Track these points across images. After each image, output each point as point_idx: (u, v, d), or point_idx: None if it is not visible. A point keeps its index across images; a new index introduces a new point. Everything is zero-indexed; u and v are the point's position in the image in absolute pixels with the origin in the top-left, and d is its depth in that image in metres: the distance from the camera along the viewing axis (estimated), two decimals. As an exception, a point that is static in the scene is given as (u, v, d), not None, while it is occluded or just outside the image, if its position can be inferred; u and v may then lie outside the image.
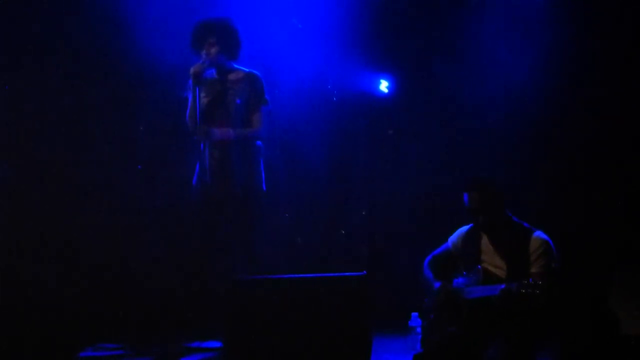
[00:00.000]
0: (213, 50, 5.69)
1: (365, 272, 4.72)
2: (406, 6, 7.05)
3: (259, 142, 5.82)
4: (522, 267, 4.89)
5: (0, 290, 6.22)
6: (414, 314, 5.53)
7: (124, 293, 6.58)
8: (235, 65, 5.84)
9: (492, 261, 5.07)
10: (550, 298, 4.72)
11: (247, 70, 5.83)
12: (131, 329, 6.28)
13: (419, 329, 5.44)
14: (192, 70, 5.63)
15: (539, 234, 4.98)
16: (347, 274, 4.75)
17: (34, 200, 6.53)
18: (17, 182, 6.52)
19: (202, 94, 5.68)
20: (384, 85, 7.26)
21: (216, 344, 5.57)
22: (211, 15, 5.87)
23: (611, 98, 6.56)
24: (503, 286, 4.75)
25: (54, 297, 6.34)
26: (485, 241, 5.15)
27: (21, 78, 6.62)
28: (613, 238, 6.33)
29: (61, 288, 6.42)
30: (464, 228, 5.32)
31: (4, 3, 6.54)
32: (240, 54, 5.81)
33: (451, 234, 5.40)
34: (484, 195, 4.99)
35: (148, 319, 6.44)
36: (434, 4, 7.03)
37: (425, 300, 5.28)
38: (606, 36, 6.56)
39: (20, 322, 6.04)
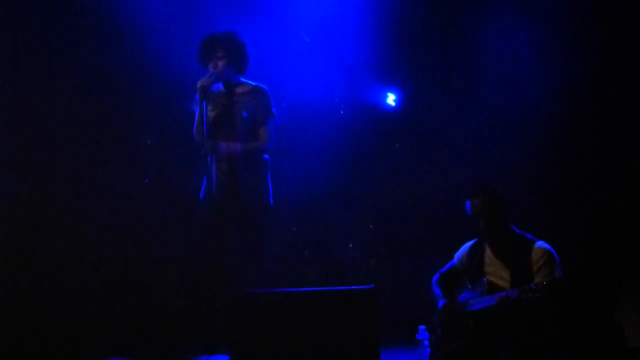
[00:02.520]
0: (220, 64, 5.70)
1: (372, 285, 4.71)
2: (414, 20, 7.07)
3: (266, 156, 5.82)
4: (525, 277, 4.90)
5: (7, 303, 6.22)
6: (422, 327, 5.52)
7: (132, 307, 6.58)
8: (242, 79, 5.85)
9: (496, 273, 5.09)
10: (554, 307, 4.72)
11: (254, 83, 5.84)
12: (139, 343, 6.27)
13: (426, 342, 5.43)
14: (199, 84, 5.64)
15: (541, 244, 5.00)
16: (354, 287, 4.74)
17: (39, 213, 6.54)
18: (22, 195, 6.52)
19: (209, 108, 5.68)
20: (391, 99, 7.27)
21: (223, 358, 5.56)
22: (218, 29, 5.89)
23: (615, 104, 6.56)
24: (501, 294, 4.76)
25: (62, 312, 6.35)
26: (488, 254, 5.17)
27: (27, 88, 6.64)
28: (620, 248, 6.32)
29: (69, 303, 6.42)
30: (469, 243, 5.35)
31: (8, 10, 6.58)
32: (247, 67, 5.83)
33: (458, 247, 5.42)
34: (485, 200, 5.06)
35: (155, 332, 6.44)
36: (441, 18, 7.05)
37: (434, 319, 5.29)
38: (606, 42, 6.57)
39: (29, 337, 6.04)
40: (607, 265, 6.27)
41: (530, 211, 6.34)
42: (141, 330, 6.45)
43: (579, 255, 6.07)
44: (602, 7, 6.58)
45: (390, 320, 6.15)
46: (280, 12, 6.94)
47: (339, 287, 4.81)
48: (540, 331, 4.78)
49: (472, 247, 5.29)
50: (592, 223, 6.50)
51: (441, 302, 5.19)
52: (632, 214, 6.41)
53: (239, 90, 5.81)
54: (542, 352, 4.79)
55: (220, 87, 5.80)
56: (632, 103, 6.53)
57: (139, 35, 6.69)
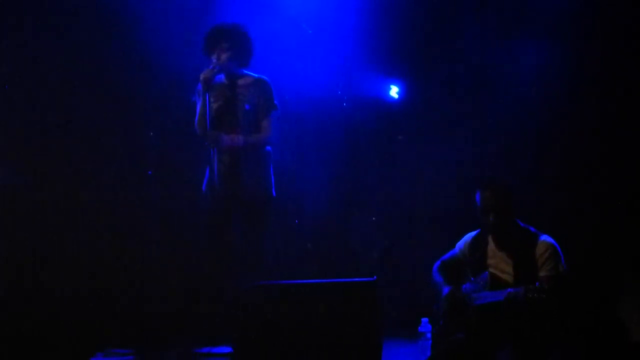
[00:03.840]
0: (224, 55, 5.69)
1: (375, 277, 4.71)
2: (417, 12, 7.05)
3: (268, 148, 5.83)
4: (529, 271, 4.89)
5: (8, 296, 6.22)
6: (424, 319, 5.53)
7: (135, 298, 6.59)
8: (245, 71, 5.84)
9: (499, 266, 5.07)
10: (558, 302, 4.72)
11: (256, 75, 5.84)
12: (142, 334, 6.28)
13: (428, 335, 5.43)
14: (202, 76, 5.63)
15: (545, 238, 4.98)
16: (357, 279, 4.74)
17: (41, 207, 6.54)
18: (24, 188, 6.53)
19: (211, 99, 5.68)
20: (394, 91, 7.26)
21: (226, 350, 5.57)
22: (222, 19, 5.88)
23: (617, 99, 6.55)
24: (509, 291, 4.76)
25: (65, 303, 6.35)
26: (491, 246, 5.15)
27: (28, 82, 6.64)
28: (623, 243, 6.31)
29: (72, 294, 6.43)
30: (472, 234, 5.33)
31: (9, 10, 6.57)
32: (251, 61, 5.82)
33: (460, 238, 5.40)
34: (496, 194, 5.01)
35: (158, 324, 6.45)
36: (445, 10, 7.03)
37: (435, 307, 5.28)
38: (608, 38, 6.56)
39: (30, 327, 6.05)
40: (610, 262, 6.26)
41: (533, 206, 6.33)
42: (144, 322, 6.46)
43: (581, 251, 6.06)
44: (602, 6, 6.58)
45: (392, 312, 6.17)
46: (282, 4, 6.92)
47: (341, 280, 4.82)
48: (543, 328, 4.77)
49: (474, 238, 5.27)
50: (594, 219, 6.49)
51: (445, 290, 5.17)
52: (635, 211, 6.40)
53: (241, 82, 5.81)
54: (544, 348, 4.79)
55: (222, 78, 5.79)
56: (634, 99, 6.52)
57: (140, 29, 6.68)
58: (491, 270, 5.05)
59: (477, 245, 5.22)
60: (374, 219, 7.25)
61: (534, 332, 4.76)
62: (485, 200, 5.03)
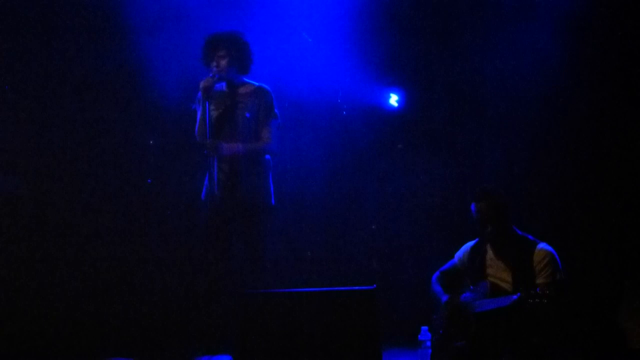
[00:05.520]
0: (223, 63, 5.69)
1: (374, 285, 4.71)
2: (417, 21, 7.06)
3: (267, 156, 5.82)
4: (527, 279, 4.90)
5: (8, 305, 6.22)
6: (424, 327, 5.51)
7: (134, 307, 6.59)
8: (245, 79, 5.84)
9: (497, 275, 5.08)
10: (556, 309, 4.72)
11: (257, 84, 5.84)
12: (141, 343, 6.27)
13: (428, 343, 5.42)
14: (201, 84, 5.63)
15: (543, 246, 5.00)
16: (356, 287, 4.74)
17: (40, 215, 6.55)
18: (25, 195, 6.53)
19: (212, 108, 5.67)
20: (393, 99, 7.26)
21: (226, 358, 5.56)
22: (221, 28, 5.88)
23: (614, 104, 6.56)
24: (514, 297, 4.75)
25: (64, 313, 6.35)
26: (490, 255, 5.16)
27: (28, 89, 6.64)
28: (622, 250, 6.31)
29: (71, 303, 6.42)
30: (470, 243, 5.34)
31: (9, 10, 6.59)
32: (251, 67, 5.82)
33: (459, 247, 5.41)
34: (491, 205, 5.04)
35: (158, 332, 6.44)
36: (445, 20, 7.05)
37: (434, 317, 5.28)
38: (605, 39, 6.57)
39: (30, 337, 6.04)
40: (610, 267, 6.26)
41: (532, 212, 6.34)
42: (143, 330, 6.46)
43: (581, 257, 6.07)
44: (600, 7, 6.59)
45: (392, 320, 6.16)
46: (282, 12, 6.93)
47: (341, 288, 4.81)
48: (543, 332, 4.78)
49: (473, 248, 5.29)
50: (594, 224, 6.49)
51: (444, 299, 5.18)
52: (634, 215, 6.40)
53: (241, 90, 5.81)
54: (544, 353, 4.79)
55: (223, 86, 5.80)
56: (631, 103, 6.52)
57: (139, 35, 6.69)
58: (490, 278, 5.06)
59: (476, 254, 5.24)
60: (373, 227, 7.25)
61: (533, 338, 4.76)
62: (481, 211, 5.06)
